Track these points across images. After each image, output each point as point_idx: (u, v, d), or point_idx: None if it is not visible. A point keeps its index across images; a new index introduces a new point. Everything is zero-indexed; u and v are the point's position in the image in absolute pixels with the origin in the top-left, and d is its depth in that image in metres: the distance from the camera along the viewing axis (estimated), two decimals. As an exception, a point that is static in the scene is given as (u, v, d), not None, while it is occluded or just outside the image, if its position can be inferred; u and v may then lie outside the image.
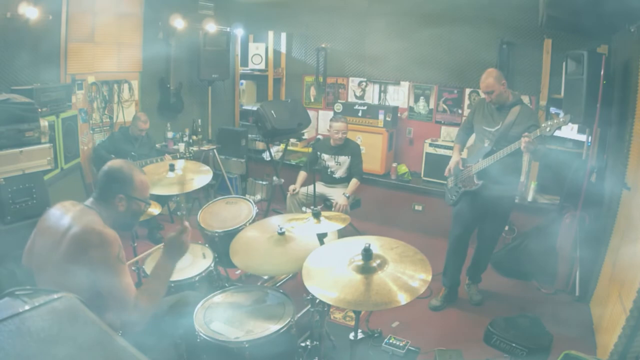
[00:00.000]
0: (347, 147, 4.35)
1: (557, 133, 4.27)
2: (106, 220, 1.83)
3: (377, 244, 1.96)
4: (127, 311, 1.71)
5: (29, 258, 1.87)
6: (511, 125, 3.15)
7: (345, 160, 4.36)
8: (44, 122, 3.38)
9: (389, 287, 1.73)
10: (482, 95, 3.35)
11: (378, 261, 1.84)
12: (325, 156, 4.38)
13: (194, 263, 2.76)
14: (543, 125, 2.96)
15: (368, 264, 1.82)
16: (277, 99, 6.17)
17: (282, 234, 2.47)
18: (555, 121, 2.90)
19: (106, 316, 1.84)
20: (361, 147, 5.19)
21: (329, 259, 1.97)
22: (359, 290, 1.73)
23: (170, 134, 5.42)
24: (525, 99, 4.43)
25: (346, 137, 4.37)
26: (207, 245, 2.99)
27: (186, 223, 1.97)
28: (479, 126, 3.38)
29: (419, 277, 1.78)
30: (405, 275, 1.79)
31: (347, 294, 1.72)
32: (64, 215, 1.80)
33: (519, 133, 3.07)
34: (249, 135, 5.91)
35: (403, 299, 1.68)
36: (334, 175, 4.41)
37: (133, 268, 3.04)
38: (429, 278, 1.79)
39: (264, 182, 5.88)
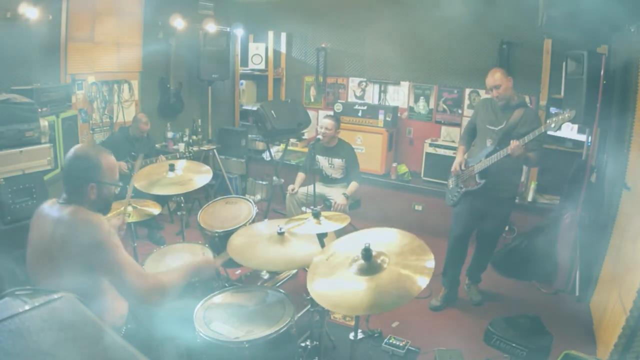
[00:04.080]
0: (341, 150, 4.30)
1: (557, 133, 4.28)
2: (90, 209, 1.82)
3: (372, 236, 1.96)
4: (133, 285, 1.67)
5: (30, 267, 1.84)
6: (515, 126, 3.16)
7: (339, 163, 4.31)
8: (44, 122, 3.38)
9: (402, 279, 1.72)
10: (487, 95, 3.35)
11: (381, 257, 1.84)
12: (320, 157, 4.36)
13: (194, 263, 2.75)
14: (548, 121, 2.96)
15: (371, 263, 1.82)
16: (277, 99, 6.16)
17: (281, 234, 2.47)
18: (560, 117, 2.90)
19: (116, 303, 1.85)
20: (361, 147, 5.22)
21: (332, 268, 1.94)
22: (374, 292, 1.72)
23: (170, 134, 5.42)
24: (525, 99, 4.42)
25: (340, 139, 4.33)
26: (207, 245, 2.99)
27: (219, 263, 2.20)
28: (482, 125, 3.38)
29: (426, 261, 1.78)
30: (411, 262, 1.79)
31: (366, 300, 1.70)
32: (47, 217, 1.78)
33: (522, 134, 3.08)
34: (249, 135, 5.91)
35: (423, 282, 1.68)
36: (330, 177, 4.39)
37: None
38: (432, 258, 1.79)
39: (264, 182, 5.88)
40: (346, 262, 1.87)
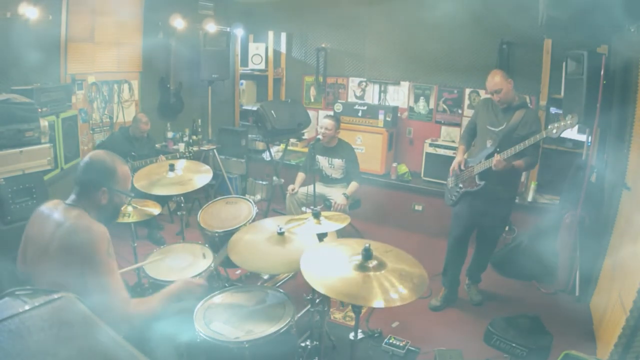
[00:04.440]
0: (341, 150, 4.30)
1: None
2: (92, 215, 1.82)
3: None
4: (115, 309, 1.69)
5: (23, 263, 1.85)
6: (516, 127, 3.15)
7: (339, 163, 4.31)
8: (44, 122, 3.38)
9: (368, 288, 1.77)
10: (488, 95, 3.34)
11: (375, 263, 1.86)
12: (320, 158, 4.36)
13: (194, 263, 2.75)
14: (549, 126, 2.95)
15: (365, 264, 1.84)
16: (277, 99, 6.17)
17: (281, 234, 2.47)
18: (562, 123, 2.88)
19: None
20: (361, 147, 5.22)
21: (326, 258, 1.99)
22: (356, 285, 1.76)
23: (170, 134, 5.42)
24: (526, 99, 4.43)
25: (340, 139, 4.33)
26: (207, 245, 2.99)
27: (205, 283, 2.09)
28: (482, 125, 3.37)
29: (400, 290, 1.77)
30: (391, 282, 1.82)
31: (343, 286, 1.76)
32: (50, 217, 1.78)
33: (522, 136, 3.08)
34: (249, 135, 5.91)
35: (378, 303, 1.72)
36: (330, 177, 4.40)
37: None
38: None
39: (264, 182, 5.88)
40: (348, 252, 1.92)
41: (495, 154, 3.07)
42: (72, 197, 1.83)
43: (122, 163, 1.92)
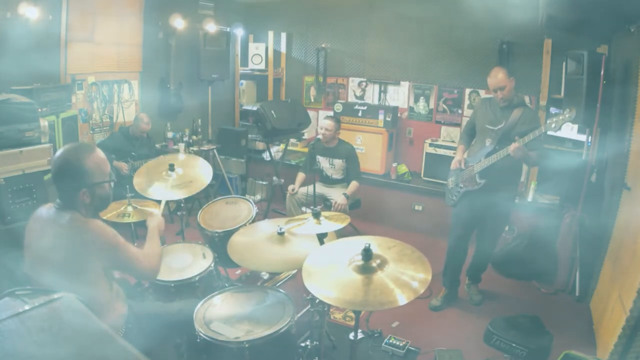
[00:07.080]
0: (342, 150, 4.30)
1: (557, 133, 4.27)
2: (84, 212, 1.81)
3: (374, 243, 1.95)
4: (142, 273, 1.97)
5: (28, 268, 1.85)
6: (514, 125, 3.15)
7: (340, 163, 4.31)
8: (44, 122, 3.38)
9: (389, 287, 1.72)
10: (487, 94, 3.34)
11: (378, 261, 1.84)
12: (321, 158, 4.35)
13: (194, 263, 2.75)
14: (548, 121, 2.95)
15: (368, 264, 1.82)
16: (277, 99, 6.17)
17: (281, 234, 2.47)
18: (560, 117, 2.88)
19: (116, 303, 1.96)
20: (361, 147, 5.22)
21: (329, 259, 1.97)
22: (360, 290, 1.72)
23: (170, 134, 5.42)
24: (525, 99, 4.43)
25: (340, 139, 4.33)
26: (207, 245, 2.99)
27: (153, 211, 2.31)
28: (481, 125, 3.37)
29: (419, 277, 1.77)
30: (405, 275, 1.79)
31: (348, 294, 1.71)
32: (45, 225, 1.78)
33: (521, 133, 3.07)
34: (249, 135, 5.91)
35: (403, 299, 1.67)
36: (330, 177, 4.40)
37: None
38: (429, 277, 1.78)
39: (264, 182, 5.88)
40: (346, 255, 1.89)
41: (515, 142, 3.02)
42: (58, 201, 1.81)
43: (88, 153, 1.78)
